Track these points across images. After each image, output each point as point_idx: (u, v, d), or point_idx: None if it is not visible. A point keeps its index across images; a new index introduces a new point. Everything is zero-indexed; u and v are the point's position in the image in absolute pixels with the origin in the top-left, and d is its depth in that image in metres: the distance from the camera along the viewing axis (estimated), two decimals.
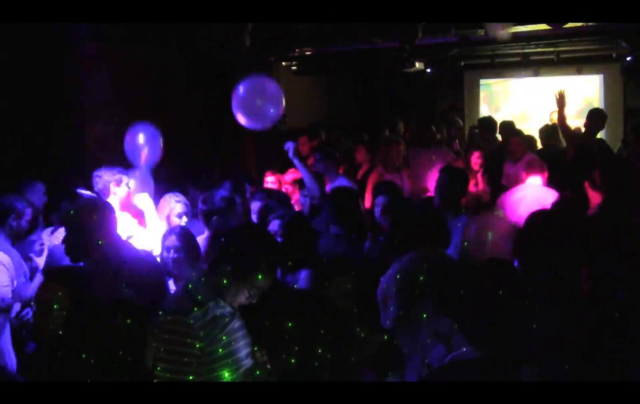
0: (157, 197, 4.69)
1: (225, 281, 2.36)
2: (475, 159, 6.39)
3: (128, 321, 1.96)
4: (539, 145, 7.40)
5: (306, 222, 3.94)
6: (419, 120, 8.91)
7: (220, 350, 2.26)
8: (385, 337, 2.70)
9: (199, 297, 2.32)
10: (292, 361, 1.88)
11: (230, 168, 7.32)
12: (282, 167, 6.47)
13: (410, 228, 3.14)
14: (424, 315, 2.13)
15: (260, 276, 2.38)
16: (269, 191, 5.28)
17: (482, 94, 11.41)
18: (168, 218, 4.37)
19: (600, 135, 6.74)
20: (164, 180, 5.14)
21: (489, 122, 8.05)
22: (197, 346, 2.23)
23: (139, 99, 6.71)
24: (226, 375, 2.25)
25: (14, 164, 5.51)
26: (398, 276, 2.75)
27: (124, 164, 4.77)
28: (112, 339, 1.94)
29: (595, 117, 6.33)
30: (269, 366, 1.98)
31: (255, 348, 2.39)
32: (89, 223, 3.08)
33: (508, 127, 7.55)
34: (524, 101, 11.06)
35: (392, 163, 5.79)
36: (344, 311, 2.44)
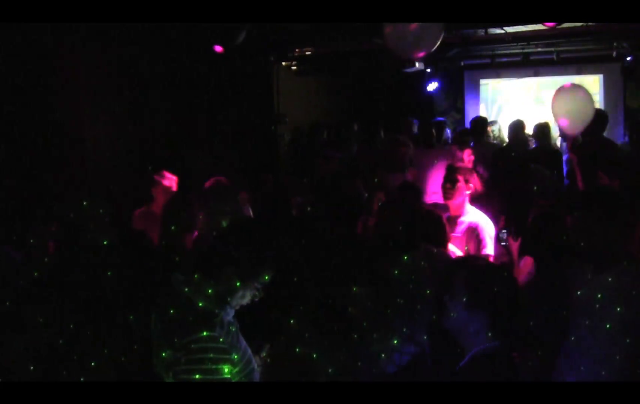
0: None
1: (236, 284, 2.28)
2: (467, 156, 6.42)
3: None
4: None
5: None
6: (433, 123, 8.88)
7: (236, 356, 2.23)
8: (395, 341, 2.72)
9: (213, 309, 2.24)
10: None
11: (229, 168, 7.33)
12: (280, 167, 6.50)
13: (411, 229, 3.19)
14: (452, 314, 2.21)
15: (266, 275, 2.33)
16: None
17: (482, 94, 11.44)
18: None
19: None
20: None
21: (480, 122, 8.05)
22: (229, 358, 2.17)
23: (139, 99, 6.72)
24: (236, 377, 2.23)
25: (13, 164, 5.51)
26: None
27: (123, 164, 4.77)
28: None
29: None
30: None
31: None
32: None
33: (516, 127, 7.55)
34: (524, 101, 11.09)
35: (397, 163, 5.78)
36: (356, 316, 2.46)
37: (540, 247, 3.38)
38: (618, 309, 2.61)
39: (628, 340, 2.60)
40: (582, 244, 2.73)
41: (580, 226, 2.74)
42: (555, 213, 3.47)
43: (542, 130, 7.24)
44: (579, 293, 2.76)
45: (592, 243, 2.70)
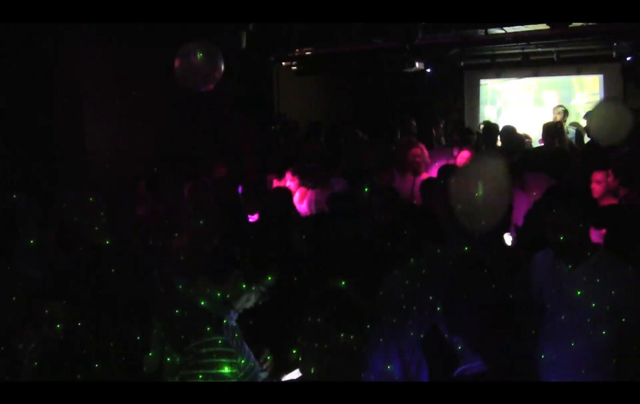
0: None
1: (242, 287, 2.27)
2: (463, 157, 6.40)
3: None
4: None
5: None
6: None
7: (237, 358, 2.23)
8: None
9: (219, 313, 2.24)
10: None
11: (229, 167, 7.32)
12: (279, 166, 6.49)
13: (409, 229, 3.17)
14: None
15: (270, 277, 2.32)
16: None
17: (482, 94, 11.43)
18: None
19: None
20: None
21: (493, 127, 8.00)
22: (231, 360, 2.17)
23: (138, 99, 6.72)
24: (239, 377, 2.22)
25: (13, 164, 5.51)
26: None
27: (122, 165, 4.77)
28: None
29: None
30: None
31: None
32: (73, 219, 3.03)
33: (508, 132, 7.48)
34: (524, 101, 11.08)
35: (408, 165, 5.78)
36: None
37: (529, 240, 3.40)
38: (594, 303, 2.63)
39: (604, 332, 2.62)
40: (559, 238, 2.74)
41: (556, 221, 2.75)
42: (541, 208, 3.48)
43: (550, 130, 7.14)
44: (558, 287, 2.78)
45: (567, 237, 2.72)
